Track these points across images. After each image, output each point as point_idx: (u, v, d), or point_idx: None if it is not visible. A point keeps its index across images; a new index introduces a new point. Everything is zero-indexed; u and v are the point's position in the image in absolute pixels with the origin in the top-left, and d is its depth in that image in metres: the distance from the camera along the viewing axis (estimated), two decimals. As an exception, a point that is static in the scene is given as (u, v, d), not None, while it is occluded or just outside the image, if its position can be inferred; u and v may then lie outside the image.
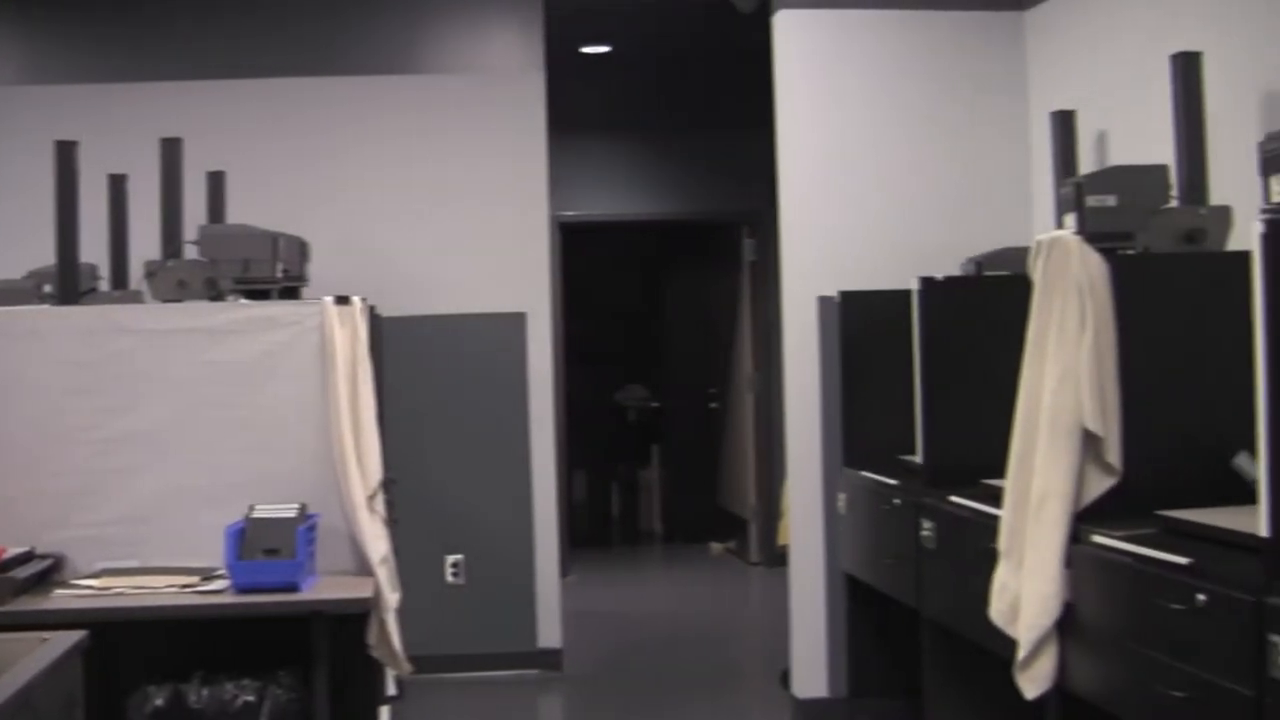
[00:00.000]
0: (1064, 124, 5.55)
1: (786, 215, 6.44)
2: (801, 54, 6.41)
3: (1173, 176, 4.45)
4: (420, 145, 7.33)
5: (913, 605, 5.19)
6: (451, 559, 7.28)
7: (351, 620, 4.85)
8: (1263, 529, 3.00)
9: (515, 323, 7.35)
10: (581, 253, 11.44)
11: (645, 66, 10.18)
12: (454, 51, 7.44)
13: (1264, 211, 3.39)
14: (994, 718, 4.96)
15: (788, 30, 6.40)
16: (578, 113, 9.42)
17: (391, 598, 4.94)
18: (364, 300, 5.10)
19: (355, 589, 4.76)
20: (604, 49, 9.84)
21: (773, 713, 6.68)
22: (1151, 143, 4.90)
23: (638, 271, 13.50)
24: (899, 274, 5.60)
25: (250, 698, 4.60)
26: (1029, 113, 6.46)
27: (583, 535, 11.85)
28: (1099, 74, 5.78)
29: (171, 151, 5.61)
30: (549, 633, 7.42)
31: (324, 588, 4.74)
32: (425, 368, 7.21)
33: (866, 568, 5.83)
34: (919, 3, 6.45)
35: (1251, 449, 3.12)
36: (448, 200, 7.33)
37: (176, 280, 5.21)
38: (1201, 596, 3.18)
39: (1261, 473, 3.01)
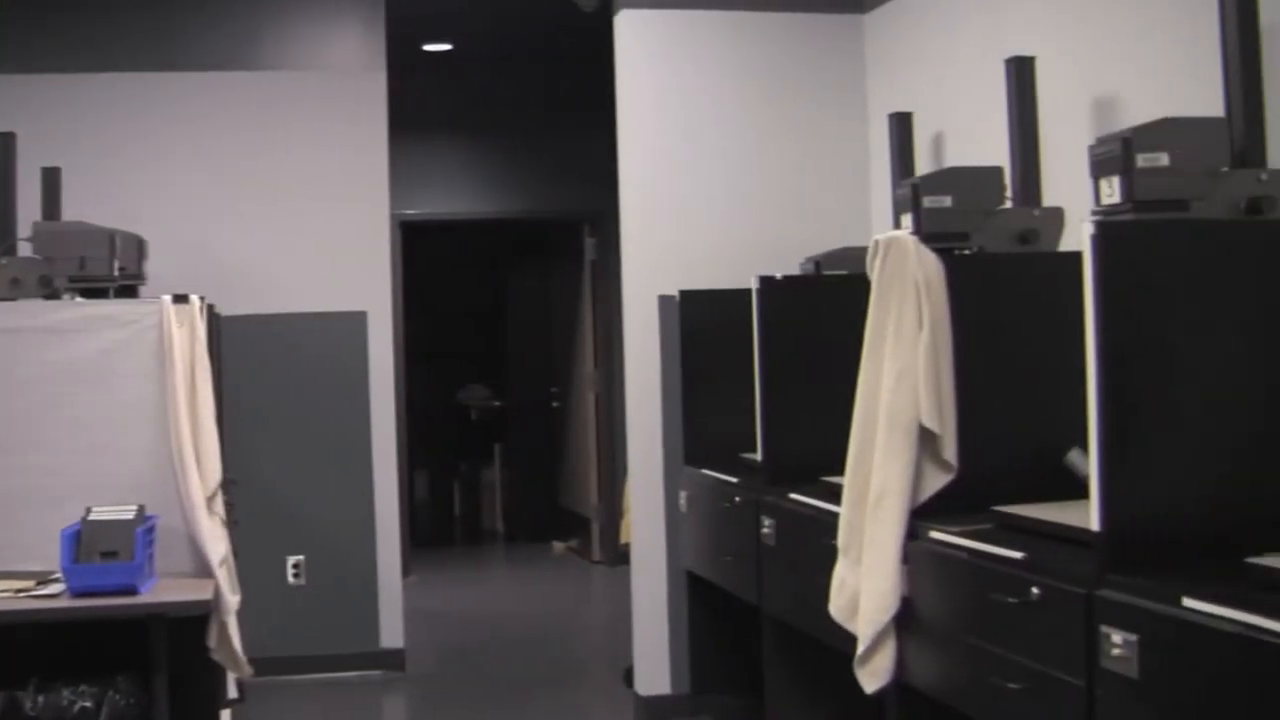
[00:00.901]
0: (901, 126, 5.62)
1: (627, 214, 6.45)
2: (643, 53, 6.43)
3: (1007, 178, 4.52)
4: (260, 143, 7.24)
5: (754, 602, 5.22)
6: (293, 560, 7.21)
7: (191, 623, 4.78)
8: (1094, 523, 3.06)
9: (356, 322, 7.29)
10: (424, 251, 11.37)
11: (487, 65, 10.16)
12: (295, 48, 7.35)
13: (1095, 213, 3.46)
14: (834, 712, 5.01)
15: (629, 29, 6.42)
16: (420, 110, 9.38)
17: (232, 599, 4.88)
18: (203, 299, 5.03)
19: (195, 591, 4.70)
20: (446, 47, 9.81)
21: (616, 710, 6.69)
22: (987, 145, 4.98)
23: (480, 270, 13.46)
24: (739, 273, 5.63)
25: (88, 704, 4.52)
26: (867, 114, 6.54)
27: (425, 535, 11.80)
28: (936, 77, 5.86)
29: (4, 146, 5.49)
30: (391, 633, 7.37)
31: (163, 590, 4.66)
32: (265, 367, 7.13)
33: (708, 565, 5.86)
34: (760, 4, 6.50)
35: (1083, 445, 3.18)
36: (288, 198, 7.24)
37: (10, 278, 5.11)
38: (1035, 590, 3.24)
39: (1092, 468, 3.07)
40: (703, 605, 6.21)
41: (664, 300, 6.30)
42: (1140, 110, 4.21)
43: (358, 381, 7.29)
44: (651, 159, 6.40)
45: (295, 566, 7.21)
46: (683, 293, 6.16)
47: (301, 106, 7.30)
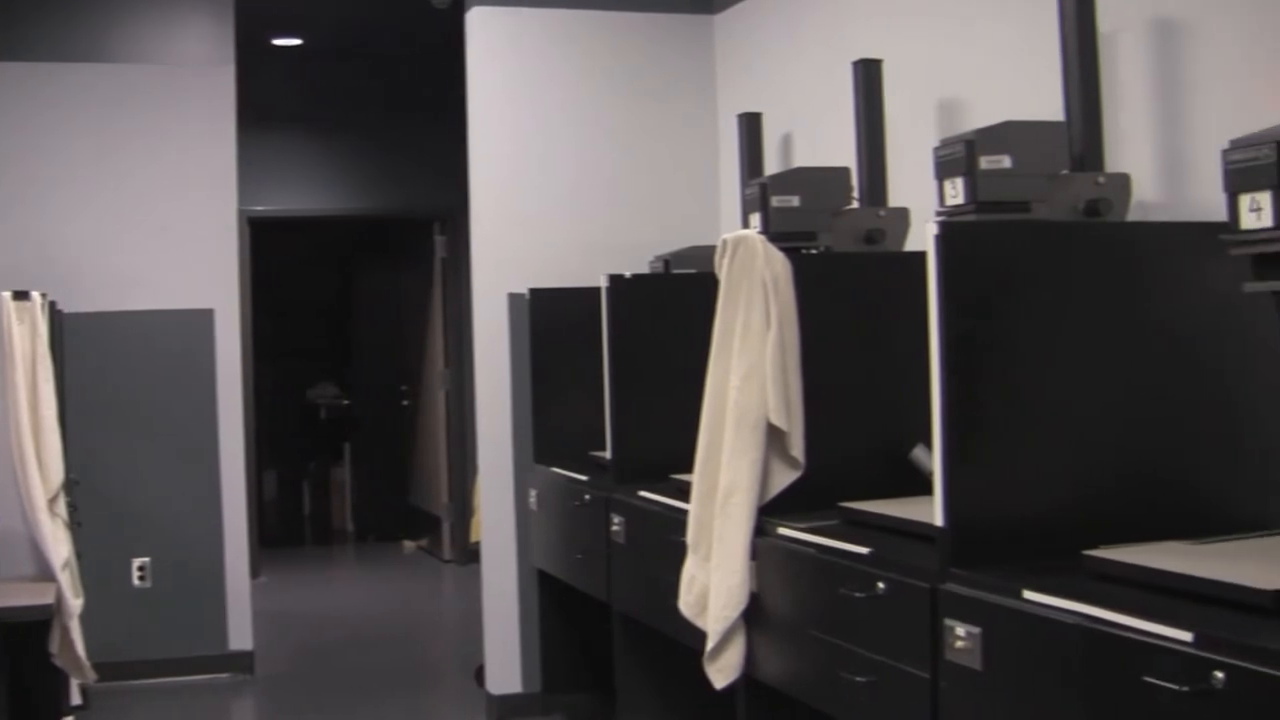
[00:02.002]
0: (750, 126, 5.66)
1: (477, 212, 6.44)
2: (495, 51, 6.41)
3: (854, 179, 4.58)
4: (105, 137, 7.11)
5: (604, 599, 5.23)
6: (138, 562, 7.10)
7: (32, 628, 4.70)
8: (938, 519, 3.11)
9: (203, 319, 7.20)
10: (272, 248, 11.26)
11: (338, 60, 10.08)
12: (141, 41, 7.23)
13: (939, 214, 3.52)
14: (685, 708, 5.05)
15: (481, 27, 6.40)
16: (269, 106, 9.30)
17: (74, 603, 4.81)
18: (44, 296, 4.95)
19: (36, 595, 4.63)
20: (295, 41, 9.72)
21: (467, 710, 6.68)
22: (834, 146, 5.04)
23: (330, 268, 13.36)
24: (589, 271, 5.64)
25: (-76, 710, 4.44)
26: (717, 114, 6.58)
27: (273, 535, 11.69)
28: (784, 78, 5.91)
29: None
30: (240, 635, 7.28)
31: (3, 594, 4.59)
32: (109, 365, 7.02)
33: (558, 563, 5.87)
34: (612, 4, 6.51)
35: (927, 442, 3.23)
36: (134, 194, 7.12)
37: None
38: (881, 584, 3.29)
39: (936, 465, 3.12)
40: (553, 603, 6.21)
41: (514, 298, 6.30)
42: (983, 113, 4.28)
43: (204, 380, 7.19)
44: (502, 157, 6.39)
45: (141, 568, 7.10)
46: (532, 291, 6.16)
47: (148, 100, 7.18)
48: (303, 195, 10.63)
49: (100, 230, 7.07)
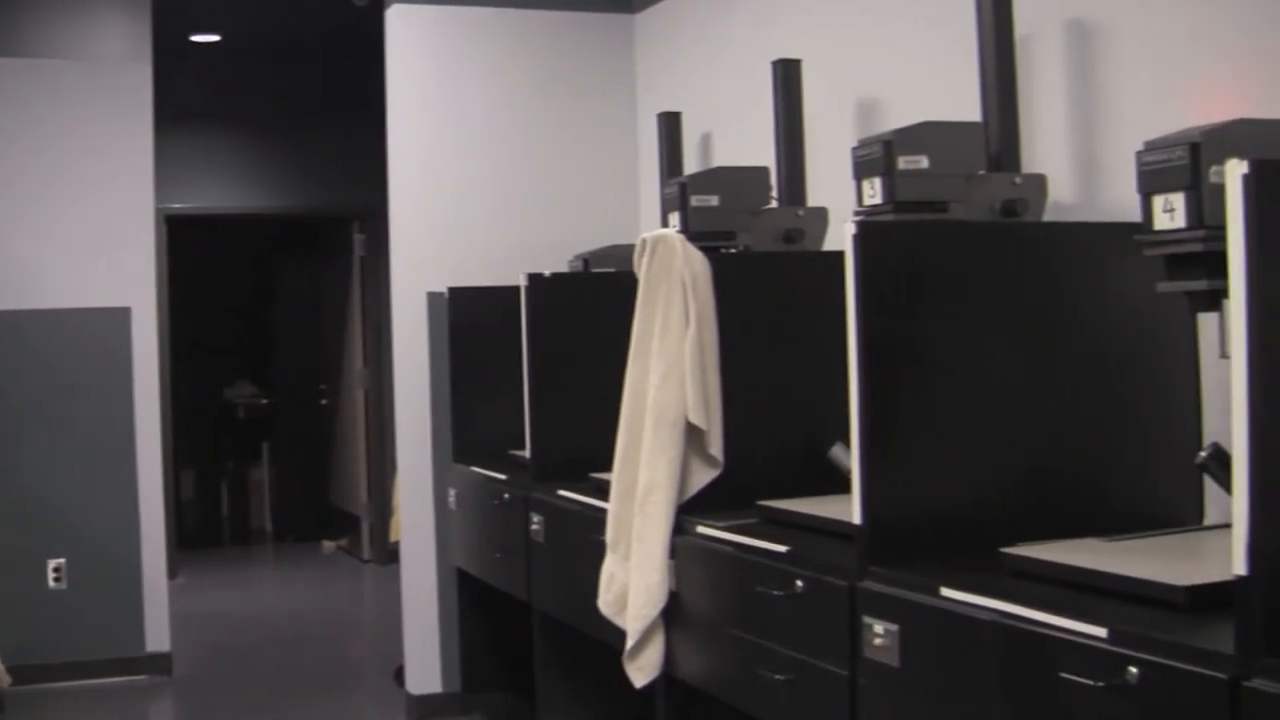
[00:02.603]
0: (670, 125, 5.67)
1: (396, 211, 6.42)
2: (414, 49, 6.39)
3: (773, 178, 4.59)
4: (19, 133, 7.02)
5: (524, 599, 5.22)
6: (53, 563, 7.02)
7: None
8: (856, 517, 3.13)
9: (119, 318, 7.13)
10: (190, 246, 11.18)
11: (257, 57, 10.01)
12: (56, 36, 7.14)
13: (857, 213, 3.54)
14: (605, 707, 5.05)
15: (400, 24, 6.37)
16: (187, 102, 9.23)
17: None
18: (-44, 295, 4.89)
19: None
20: (214, 37, 9.63)
21: (386, 711, 6.65)
22: (753, 146, 5.05)
23: (248, 266, 13.27)
24: (508, 270, 5.62)
25: None
26: (637, 113, 6.58)
27: (191, 535, 11.59)
28: (704, 77, 5.92)
29: None
30: (157, 636, 7.22)
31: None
32: (23, 364, 6.94)
33: (477, 562, 5.85)
34: (532, 2, 6.50)
35: (846, 440, 3.25)
36: (48, 191, 7.04)
37: None
38: (799, 583, 3.30)
39: (854, 463, 3.14)
40: (473, 603, 6.20)
41: (433, 297, 6.28)
42: (901, 114, 4.30)
43: (120, 379, 7.12)
44: (421, 156, 6.37)
45: (56, 570, 7.02)
46: (451, 290, 6.14)
47: (63, 96, 7.10)
48: (221, 193, 10.56)
49: (15, 228, 6.99)
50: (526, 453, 5.28)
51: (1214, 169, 2.46)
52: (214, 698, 7.07)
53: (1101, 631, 2.42)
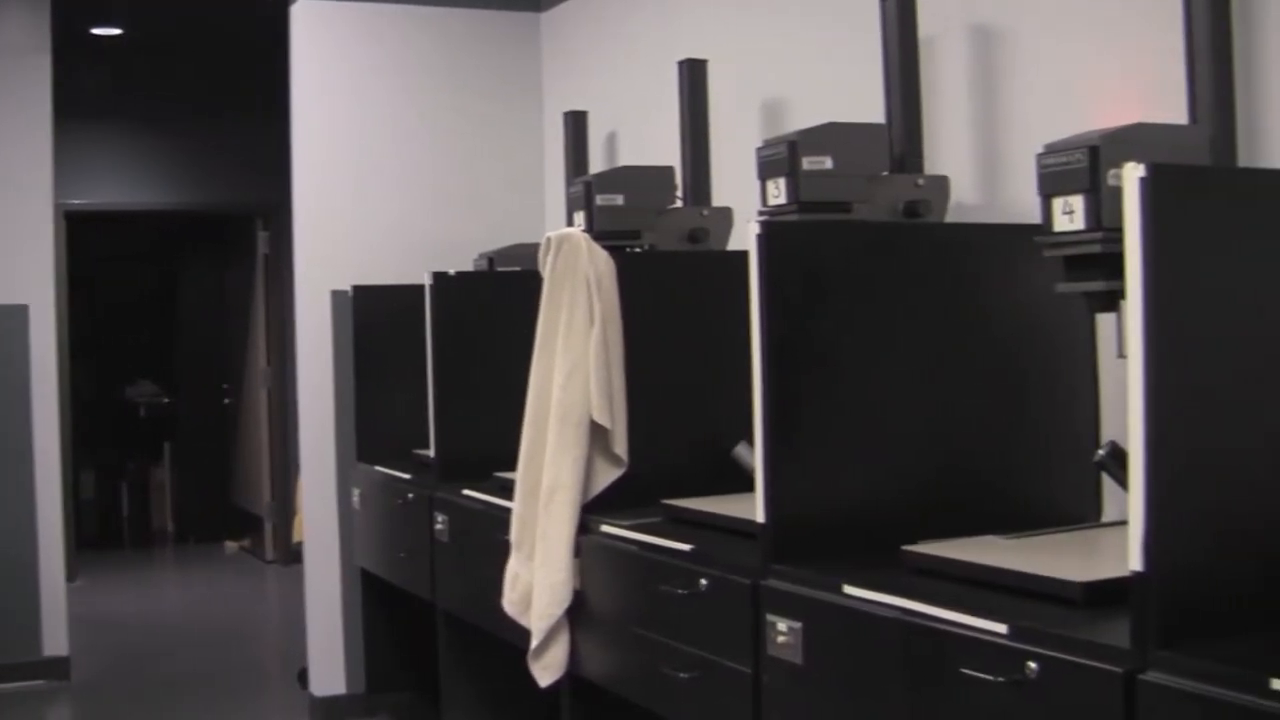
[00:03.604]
0: (576, 124, 5.67)
1: (300, 208, 6.38)
2: (319, 45, 6.35)
3: (678, 178, 4.60)
4: (-88, 129, 6.94)
5: (428, 598, 5.21)
6: (-53, 564, 6.92)
7: None
8: (759, 515, 3.14)
9: (16, 316, 7.02)
10: (90, 243, 11.05)
11: (160, 51, 9.89)
12: (-51, 31, 7.06)
13: (761, 213, 3.56)
14: (509, 707, 5.04)
15: (306, 20, 6.33)
16: (88, 96, 9.11)
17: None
18: None
19: None
20: (116, 31, 9.51)
21: (290, 712, 6.60)
22: (659, 145, 5.06)
23: (150, 264, 13.12)
24: (413, 268, 5.60)
25: None
26: (543, 112, 6.58)
27: (91, 537, 11.42)
28: (610, 77, 5.92)
29: None
30: (55, 640, 7.11)
31: None
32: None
33: (381, 562, 5.83)
34: (438, 0, 6.48)
35: (750, 439, 3.26)
36: (-58, 187, 6.96)
37: None
38: (703, 581, 3.31)
39: (758, 462, 3.15)
40: (377, 603, 6.17)
41: (337, 295, 6.24)
42: (806, 114, 4.32)
43: (18, 378, 7.02)
44: (325, 153, 6.33)
45: (-49, 571, 6.92)
46: (356, 288, 6.11)
47: (-42, 91, 7.01)
48: (122, 189, 10.43)
49: (-91, 224, 6.88)
50: (431, 452, 5.26)
51: (1112, 172, 2.50)
52: (114, 703, 6.99)
53: (1001, 628, 2.45)
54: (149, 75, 10.12)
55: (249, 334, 11.16)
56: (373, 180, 6.36)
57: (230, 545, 11.37)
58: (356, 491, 6.07)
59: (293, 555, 9.37)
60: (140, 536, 12.26)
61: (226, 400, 11.80)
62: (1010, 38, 3.79)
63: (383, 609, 6.17)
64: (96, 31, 9.42)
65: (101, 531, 11.99)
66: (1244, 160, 3.00)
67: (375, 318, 6.05)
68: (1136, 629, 2.22)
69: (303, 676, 6.58)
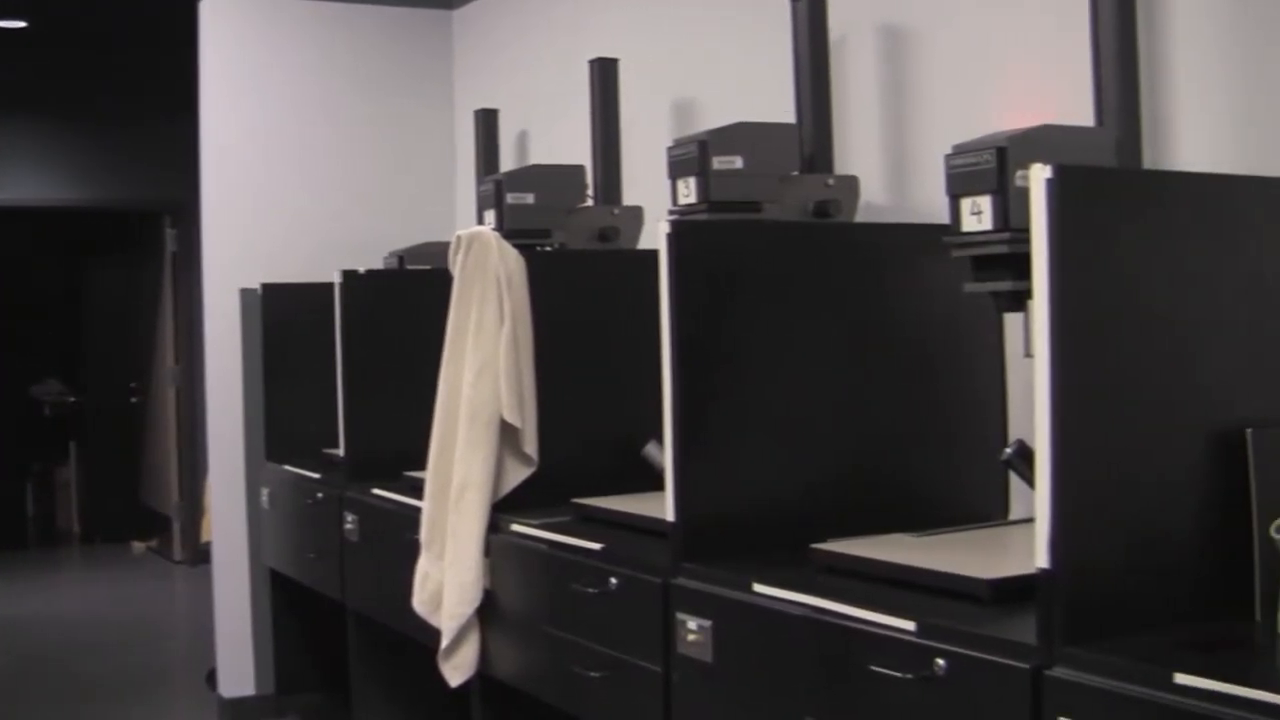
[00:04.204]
0: (487, 123, 5.66)
1: (209, 206, 6.32)
2: (228, 41, 6.29)
3: (589, 177, 4.60)
4: None
5: (338, 598, 5.18)
6: None
7: None
8: (669, 514, 3.15)
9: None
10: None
11: (66, 45, 9.78)
12: None
13: (671, 213, 3.56)
14: (420, 706, 5.02)
15: (214, 15, 6.27)
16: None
17: None
18: None
19: None
20: (20, 24, 9.39)
21: (198, 714, 6.55)
22: (570, 144, 5.06)
23: (57, 261, 12.97)
24: (323, 267, 5.56)
25: None
26: (454, 110, 6.56)
27: (-6, 538, 11.32)
28: (522, 75, 5.91)
29: None
30: (-43, 641, 7.05)
31: None
32: None
33: (291, 562, 5.79)
34: (349, -4, 6.47)
35: (660, 438, 3.27)
36: None
37: None
38: (613, 580, 3.31)
39: (668, 461, 3.16)
40: (287, 603, 6.13)
41: (246, 294, 6.19)
42: (717, 114, 4.33)
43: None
44: (235, 149, 6.28)
45: None
46: (265, 286, 6.07)
47: None
48: (26, 185, 10.31)
49: None
50: (340, 451, 5.23)
51: (1019, 173, 2.52)
52: (19, 705, 6.90)
53: (910, 625, 2.46)
54: (54, 70, 10.00)
55: (157, 332, 11.06)
56: (282, 178, 6.32)
57: (138, 545, 11.26)
58: (265, 491, 6.03)
59: (201, 555, 9.26)
60: (46, 537, 12.13)
61: (134, 399, 11.68)
62: (920, 38, 3.81)
63: (292, 609, 6.13)
64: (0, 24, 9.29)
65: (5, 532, 11.83)
66: (1149, 162, 3.03)
67: (284, 316, 6.01)
68: (1043, 626, 2.24)
69: (211, 678, 6.52)
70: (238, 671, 6.30)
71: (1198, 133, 3.09)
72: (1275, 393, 2.46)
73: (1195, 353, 2.39)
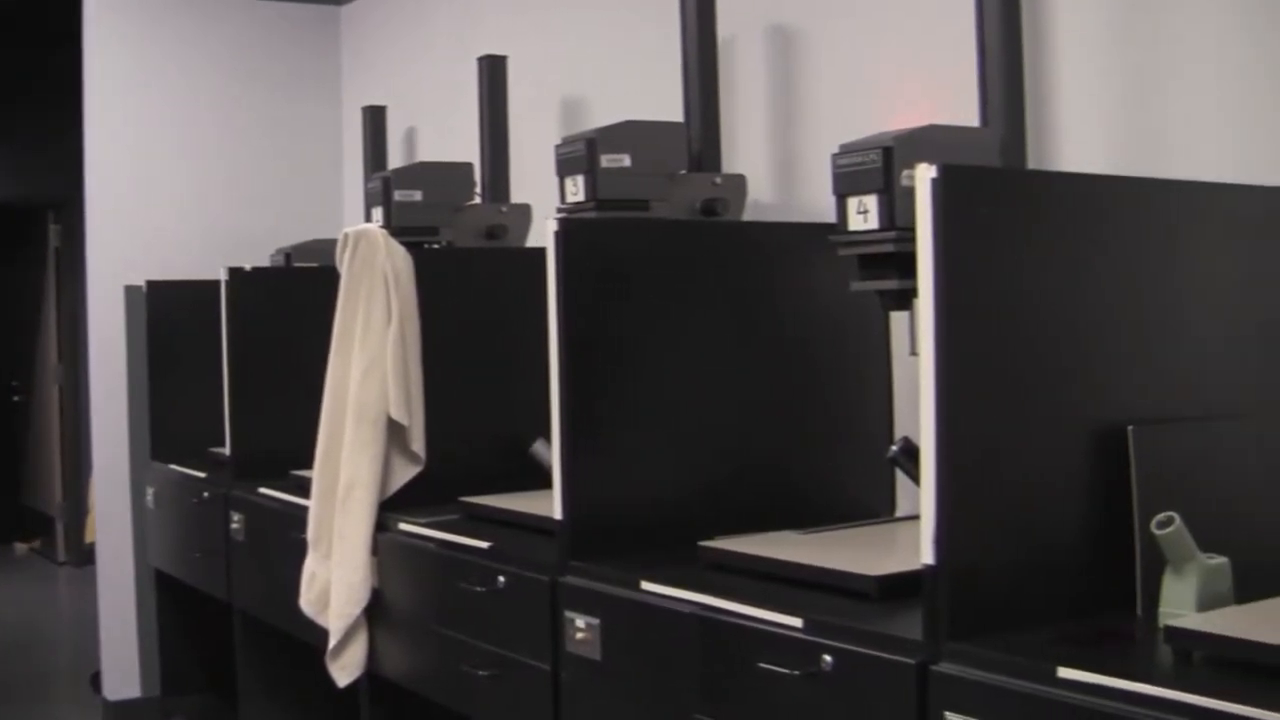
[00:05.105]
0: (375, 119, 5.63)
1: (93, 202, 6.24)
2: (113, 35, 6.22)
3: (477, 174, 4.59)
4: None
5: (224, 599, 5.14)
6: None
7: None
8: (557, 512, 3.14)
9: None
10: None
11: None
12: None
13: (559, 211, 3.56)
14: (308, 707, 4.99)
15: (99, 10, 6.19)
16: None
17: None
18: None
19: None
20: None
21: (83, 717, 6.48)
22: (458, 141, 5.04)
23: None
24: (209, 264, 5.51)
25: None
26: (342, 107, 6.52)
27: None
28: (411, 72, 5.89)
29: None
30: None
31: None
32: None
33: (177, 563, 5.73)
34: (236, -9, 6.41)
35: (548, 437, 3.26)
36: None
37: None
38: (502, 578, 3.30)
39: (555, 459, 3.15)
40: (173, 604, 6.06)
41: (131, 291, 6.12)
42: (605, 112, 4.34)
43: None
44: (119, 145, 6.20)
45: None
46: (150, 283, 6.00)
47: None
48: (-97, 181, 10.18)
49: None
50: (227, 450, 5.18)
51: (905, 173, 2.53)
52: (-104, 710, 6.81)
53: (797, 621, 2.47)
54: (-68, 64, 9.86)
55: (40, 330, 10.93)
56: (168, 173, 6.26)
57: (20, 547, 11.12)
58: (151, 491, 5.96)
59: (85, 556, 9.17)
60: (-74, 538, 11.95)
61: (16, 398, 11.54)
62: (808, 39, 3.84)
63: (178, 610, 6.06)
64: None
65: (-116, 533, 11.66)
66: (1033, 163, 3.07)
67: (170, 314, 5.95)
68: (929, 621, 2.26)
69: (95, 680, 6.45)
70: (123, 673, 6.23)
71: (1081, 133, 3.14)
72: (1157, 391, 2.50)
73: (1078, 351, 2.41)
